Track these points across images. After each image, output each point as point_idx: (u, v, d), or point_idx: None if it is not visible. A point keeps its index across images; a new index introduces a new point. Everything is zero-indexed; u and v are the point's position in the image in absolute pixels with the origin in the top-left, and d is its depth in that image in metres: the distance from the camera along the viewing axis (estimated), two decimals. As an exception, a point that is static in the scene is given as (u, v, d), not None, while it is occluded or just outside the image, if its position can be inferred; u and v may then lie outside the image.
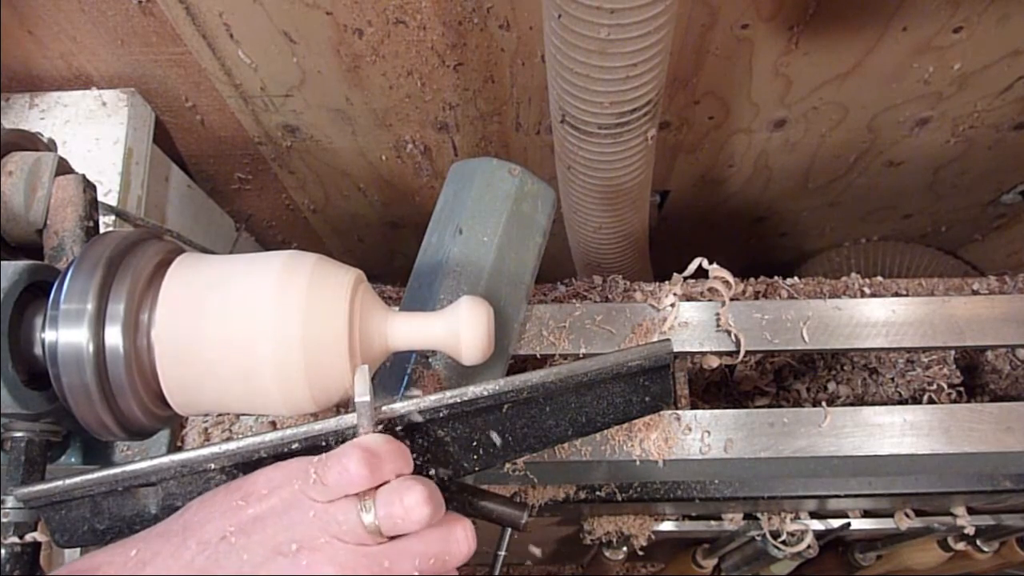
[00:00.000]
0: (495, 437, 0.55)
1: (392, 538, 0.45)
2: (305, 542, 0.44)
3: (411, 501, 0.44)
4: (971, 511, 0.98)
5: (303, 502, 0.45)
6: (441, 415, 0.52)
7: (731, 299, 0.76)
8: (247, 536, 0.44)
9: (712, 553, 1.10)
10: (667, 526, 0.98)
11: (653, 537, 0.98)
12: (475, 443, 0.55)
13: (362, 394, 0.48)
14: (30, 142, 0.70)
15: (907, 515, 0.97)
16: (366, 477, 0.44)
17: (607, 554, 1.08)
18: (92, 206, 0.68)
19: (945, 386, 0.89)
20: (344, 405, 0.60)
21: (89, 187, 0.68)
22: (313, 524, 0.44)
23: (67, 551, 0.74)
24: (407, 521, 0.45)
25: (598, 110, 0.77)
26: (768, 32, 1.01)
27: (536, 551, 0.98)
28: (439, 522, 0.47)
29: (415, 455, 0.53)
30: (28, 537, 0.58)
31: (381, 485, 0.46)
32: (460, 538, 0.47)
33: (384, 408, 0.51)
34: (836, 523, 0.96)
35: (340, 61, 1.04)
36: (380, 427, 0.51)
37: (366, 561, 0.44)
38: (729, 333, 0.76)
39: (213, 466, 0.50)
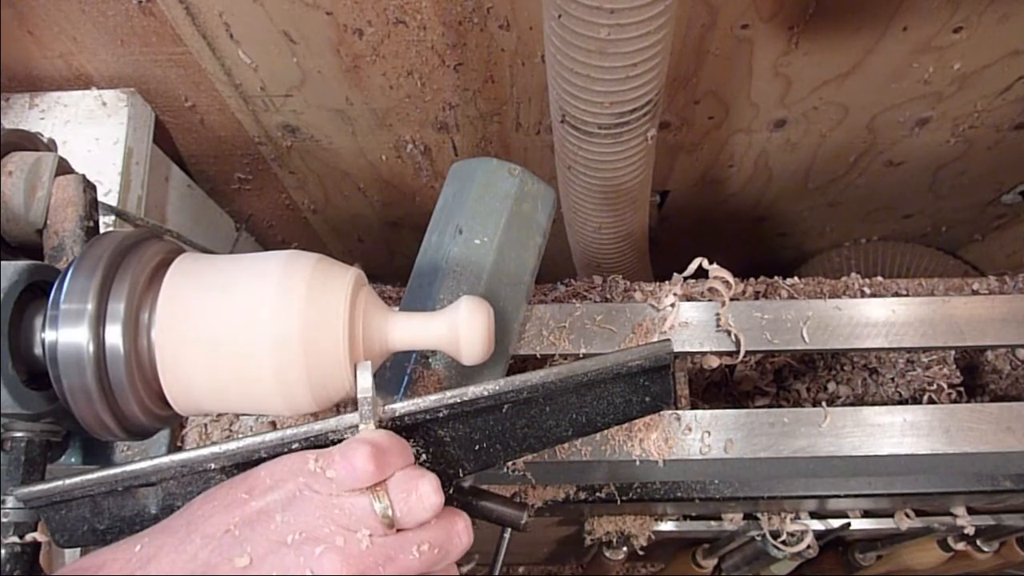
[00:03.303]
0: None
1: (397, 530, 0.46)
2: (310, 533, 0.44)
3: (425, 489, 0.46)
4: (971, 511, 0.98)
5: (308, 495, 0.45)
6: (441, 415, 0.52)
7: (731, 299, 0.76)
8: (251, 529, 0.44)
9: (712, 553, 1.10)
10: (667, 526, 0.98)
11: (653, 537, 0.98)
12: (475, 443, 0.55)
13: (364, 389, 0.48)
14: (30, 142, 0.70)
15: (907, 515, 0.97)
16: (372, 472, 0.45)
17: (607, 554, 1.08)
18: (92, 206, 0.68)
19: (945, 386, 0.89)
20: (344, 405, 0.60)
21: (89, 187, 0.68)
22: (318, 515, 0.44)
23: (67, 551, 0.74)
24: (421, 509, 0.46)
25: (598, 110, 0.77)
26: (768, 32, 1.01)
27: None
28: (440, 515, 0.48)
29: (415, 455, 0.53)
30: (28, 537, 0.58)
31: (387, 478, 0.46)
32: (461, 530, 0.49)
33: (384, 408, 0.51)
34: (836, 523, 0.96)
35: (340, 61, 1.04)
36: (382, 426, 0.51)
37: (372, 551, 0.44)
38: (729, 333, 0.76)
39: (213, 466, 0.50)
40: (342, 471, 0.45)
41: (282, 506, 0.45)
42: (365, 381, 0.49)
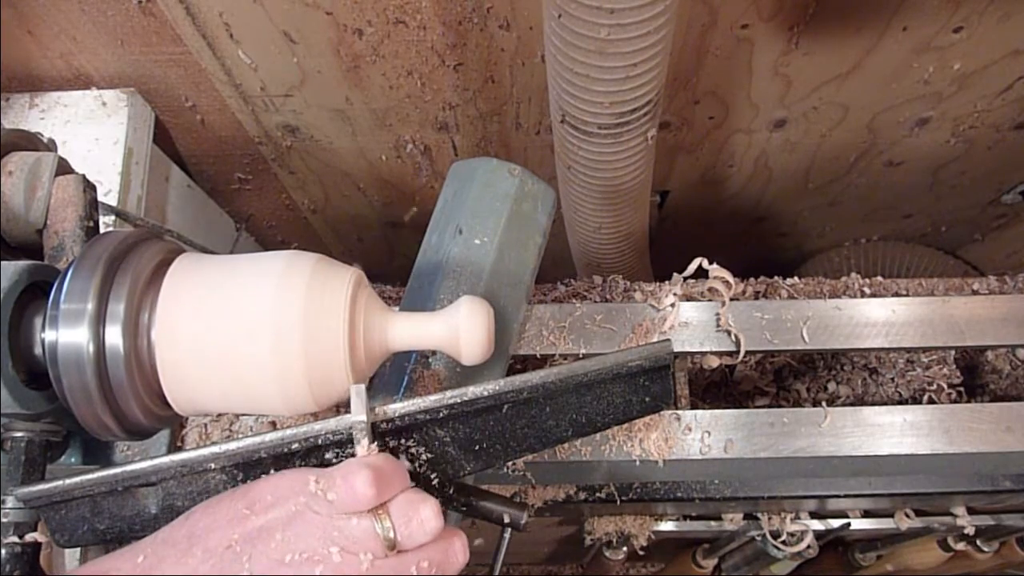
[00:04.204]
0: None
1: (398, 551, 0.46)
2: (310, 553, 0.44)
3: (427, 513, 0.47)
4: (971, 511, 0.98)
5: (308, 515, 0.46)
6: (441, 415, 0.52)
7: (731, 299, 0.76)
8: (252, 546, 0.44)
9: (712, 553, 1.10)
10: (667, 526, 0.98)
11: (653, 537, 0.98)
12: (475, 443, 0.55)
13: (358, 414, 0.49)
14: (30, 142, 0.70)
15: (907, 515, 0.98)
16: (373, 497, 0.45)
17: (607, 554, 1.08)
18: (92, 206, 0.68)
19: (945, 386, 0.89)
20: (344, 405, 0.60)
21: (89, 187, 0.68)
22: (319, 536, 0.45)
23: (67, 551, 0.74)
24: (422, 533, 0.47)
25: (598, 110, 0.77)
26: (768, 32, 1.01)
27: None
28: (439, 535, 0.48)
29: (414, 455, 0.53)
30: (28, 537, 0.58)
31: (388, 501, 0.47)
32: (458, 549, 0.49)
33: (384, 408, 0.51)
34: (836, 523, 0.96)
35: (340, 61, 1.04)
36: (383, 426, 0.51)
37: (372, 572, 0.45)
38: (729, 333, 0.76)
39: (213, 466, 0.51)
40: (343, 494, 0.45)
41: (283, 524, 0.45)
42: (359, 406, 0.49)
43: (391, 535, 0.45)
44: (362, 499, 0.45)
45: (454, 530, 0.50)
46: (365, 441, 0.49)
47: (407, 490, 0.48)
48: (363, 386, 0.50)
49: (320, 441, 0.50)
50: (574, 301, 0.81)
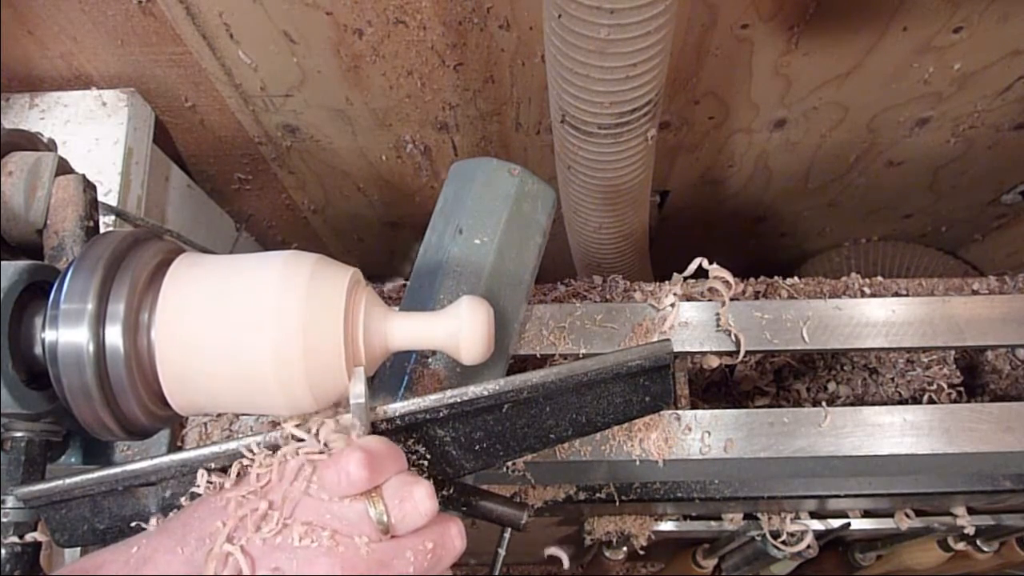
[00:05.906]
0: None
1: (391, 536, 0.46)
2: (305, 537, 0.44)
3: (420, 495, 0.46)
4: (971, 511, 0.98)
5: (303, 500, 0.45)
6: (441, 415, 0.52)
7: (731, 299, 0.76)
8: (246, 532, 0.44)
9: (712, 553, 1.10)
10: (667, 526, 0.98)
11: (653, 537, 0.98)
12: (475, 443, 0.55)
13: (357, 396, 0.49)
14: (30, 142, 0.70)
15: (907, 515, 0.97)
16: (366, 479, 0.45)
17: (607, 554, 1.08)
18: (92, 206, 0.68)
19: (945, 386, 0.89)
20: (344, 404, 0.60)
21: (89, 187, 0.68)
22: (313, 520, 0.45)
23: (67, 551, 0.74)
24: (416, 515, 0.46)
25: (598, 110, 0.77)
26: (768, 32, 1.01)
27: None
28: (434, 520, 0.48)
29: (414, 455, 0.53)
30: (28, 537, 0.58)
31: (381, 484, 0.46)
32: (454, 534, 0.49)
33: (384, 408, 0.51)
34: (836, 523, 0.96)
35: (340, 61, 1.04)
36: (383, 426, 0.51)
37: (367, 556, 0.44)
38: (729, 333, 0.76)
39: (213, 466, 0.51)
40: (336, 477, 0.45)
41: (277, 510, 0.45)
42: (358, 387, 0.49)
43: (384, 519, 0.45)
44: (355, 481, 0.45)
45: (450, 516, 0.50)
46: (362, 424, 0.49)
47: (401, 472, 0.48)
48: (362, 368, 0.50)
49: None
50: (574, 301, 0.81)
